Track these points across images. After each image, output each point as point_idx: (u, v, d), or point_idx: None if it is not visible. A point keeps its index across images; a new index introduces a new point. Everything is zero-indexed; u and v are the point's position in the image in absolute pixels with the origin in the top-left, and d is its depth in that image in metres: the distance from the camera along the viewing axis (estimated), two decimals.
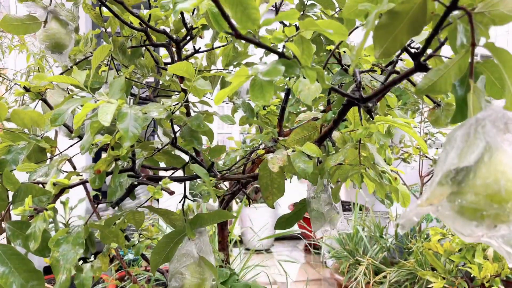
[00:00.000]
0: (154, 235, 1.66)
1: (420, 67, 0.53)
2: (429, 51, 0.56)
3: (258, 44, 0.52)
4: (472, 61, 0.45)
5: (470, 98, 0.45)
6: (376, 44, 0.48)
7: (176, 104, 0.75)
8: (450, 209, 0.44)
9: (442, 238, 2.04)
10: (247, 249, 3.75)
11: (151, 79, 1.52)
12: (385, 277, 2.52)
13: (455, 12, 0.46)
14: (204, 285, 0.80)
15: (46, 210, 0.65)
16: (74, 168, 1.21)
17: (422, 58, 0.56)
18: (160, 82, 1.43)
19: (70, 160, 1.24)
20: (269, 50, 0.53)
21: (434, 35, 0.48)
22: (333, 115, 0.82)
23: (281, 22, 1.38)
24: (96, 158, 3.03)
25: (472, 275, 1.83)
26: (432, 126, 0.80)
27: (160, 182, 0.70)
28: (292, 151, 0.83)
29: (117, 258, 1.62)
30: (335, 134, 0.92)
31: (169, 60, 1.28)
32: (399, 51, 0.58)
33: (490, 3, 0.44)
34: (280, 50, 0.57)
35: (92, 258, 1.17)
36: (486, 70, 0.50)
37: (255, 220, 3.80)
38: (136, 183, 0.75)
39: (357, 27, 0.79)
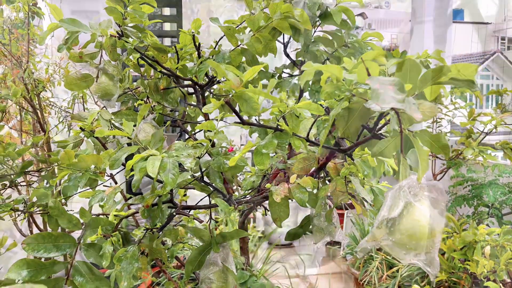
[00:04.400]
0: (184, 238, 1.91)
1: (375, 136, 0.75)
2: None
3: (258, 125, 0.75)
4: (401, 142, 0.67)
5: (400, 168, 0.66)
6: (339, 128, 0.70)
7: (203, 151, 0.98)
8: (387, 243, 0.66)
9: (447, 236, 2.23)
10: (270, 243, 3.99)
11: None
12: (397, 271, 2.72)
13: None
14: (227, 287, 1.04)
15: (112, 236, 0.90)
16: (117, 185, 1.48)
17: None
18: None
19: (112, 177, 1.51)
20: (266, 127, 0.76)
21: (378, 123, 0.69)
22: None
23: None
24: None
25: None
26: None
27: (191, 212, 0.94)
28: (295, 181, 1.05)
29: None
30: (329, 165, 1.14)
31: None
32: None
33: None
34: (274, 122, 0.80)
35: None
36: (423, 135, 0.71)
37: None
38: (174, 213, 1.00)
39: None
